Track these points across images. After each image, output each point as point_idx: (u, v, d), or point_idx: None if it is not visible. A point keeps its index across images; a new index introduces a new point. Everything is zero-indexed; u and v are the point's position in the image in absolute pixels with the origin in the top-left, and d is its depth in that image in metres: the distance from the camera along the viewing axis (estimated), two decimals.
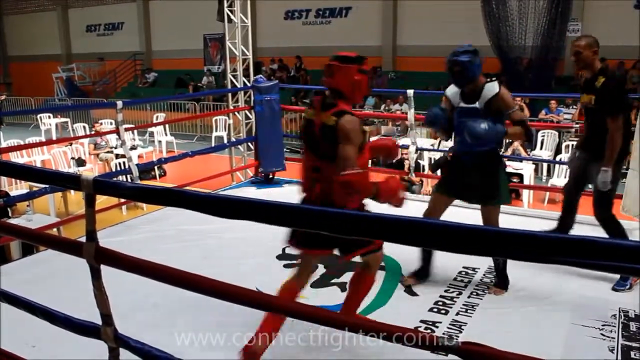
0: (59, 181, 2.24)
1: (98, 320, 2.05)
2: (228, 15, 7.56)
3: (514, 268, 3.75)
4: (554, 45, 13.65)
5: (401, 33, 17.46)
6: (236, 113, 7.87)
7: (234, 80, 7.71)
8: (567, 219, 4.25)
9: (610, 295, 3.75)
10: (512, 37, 13.57)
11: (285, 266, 4.24)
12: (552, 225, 4.42)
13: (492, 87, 3.62)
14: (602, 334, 3.29)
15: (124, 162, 7.95)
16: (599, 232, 4.55)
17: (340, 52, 2.90)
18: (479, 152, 3.64)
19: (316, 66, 18.00)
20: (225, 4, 7.53)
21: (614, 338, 3.25)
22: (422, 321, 3.39)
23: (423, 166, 8.64)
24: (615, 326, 3.38)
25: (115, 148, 10.32)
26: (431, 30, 16.13)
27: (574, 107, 11.23)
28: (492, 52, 13.45)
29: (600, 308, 3.58)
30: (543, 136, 10.94)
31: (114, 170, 8.77)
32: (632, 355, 3.08)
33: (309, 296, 3.72)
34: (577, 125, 8.18)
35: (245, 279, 3.72)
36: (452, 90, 3.81)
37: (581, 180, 4.11)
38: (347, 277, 4.02)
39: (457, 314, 3.50)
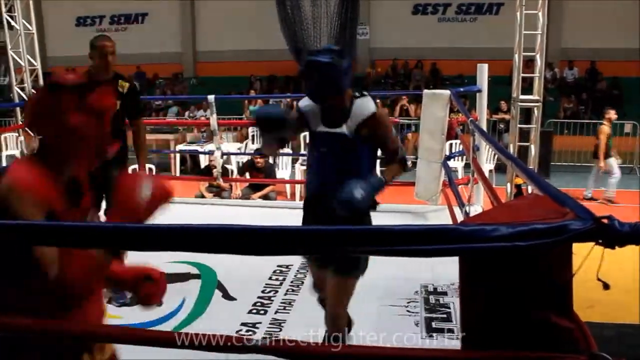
0: None
1: None
2: (8, 21, 6.91)
3: None
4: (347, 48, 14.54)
5: (201, 39, 17.31)
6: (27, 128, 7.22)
7: (21, 93, 7.09)
8: None
9: (413, 274, 4.06)
10: (308, 40, 14.18)
11: None
12: None
13: (366, 105, 2.53)
14: (407, 311, 3.59)
15: None
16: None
17: None
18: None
19: None
20: (4, 9, 6.87)
21: (418, 312, 3.56)
22: (242, 324, 3.40)
23: (231, 170, 8.65)
24: (418, 302, 3.70)
25: None
26: (231, 35, 16.22)
27: None
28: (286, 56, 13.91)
29: (405, 287, 3.87)
30: None
31: None
32: (433, 325, 3.39)
33: (123, 315, 3.55)
34: None
35: None
36: (308, 104, 2.62)
37: None
38: None
39: (276, 312, 3.57)
